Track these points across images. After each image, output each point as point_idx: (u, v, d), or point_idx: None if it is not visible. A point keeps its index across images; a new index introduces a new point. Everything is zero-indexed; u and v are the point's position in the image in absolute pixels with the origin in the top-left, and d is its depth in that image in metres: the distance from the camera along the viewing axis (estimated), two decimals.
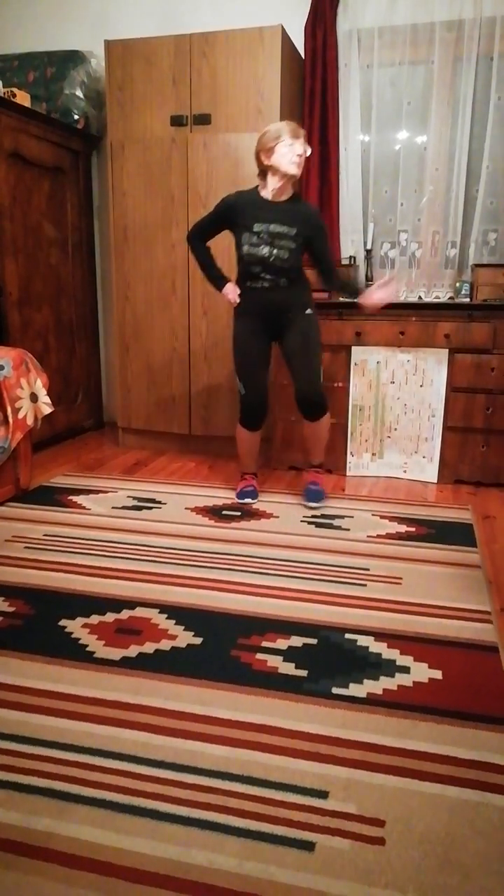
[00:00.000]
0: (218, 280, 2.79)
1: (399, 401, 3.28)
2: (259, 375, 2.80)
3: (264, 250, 2.58)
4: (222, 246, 2.99)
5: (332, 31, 3.45)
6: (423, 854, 1.16)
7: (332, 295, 3.18)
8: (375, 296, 2.66)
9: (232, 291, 2.75)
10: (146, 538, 2.52)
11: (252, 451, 2.99)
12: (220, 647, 1.79)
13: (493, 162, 3.39)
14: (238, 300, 2.74)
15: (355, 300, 2.75)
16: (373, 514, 2.80)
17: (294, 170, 2.53)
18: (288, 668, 1.70)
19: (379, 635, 1.86)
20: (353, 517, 2.77)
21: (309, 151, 2.58)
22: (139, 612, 1.97)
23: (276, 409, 3.41)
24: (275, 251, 2.58)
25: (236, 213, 2.63)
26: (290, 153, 2.50)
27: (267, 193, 2.61)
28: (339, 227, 3.62)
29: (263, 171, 2.60)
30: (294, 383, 2.78)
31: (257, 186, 2.67)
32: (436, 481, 3.29)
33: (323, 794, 1.29)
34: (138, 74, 3.39)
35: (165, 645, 1.80)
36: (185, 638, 1.83)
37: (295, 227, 2.59)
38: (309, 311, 2.74)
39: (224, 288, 2.77)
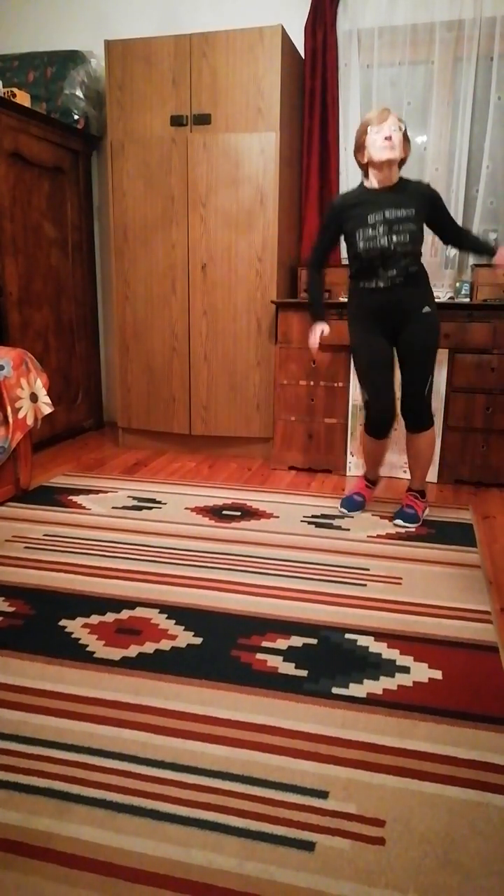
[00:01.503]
0: (318, 315, 2.69)
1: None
2: (388, 380, 2.64)
3: (383, 240, 2.45)
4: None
5: (332, 31, 3.45)
6: (423, 854, 1.16)
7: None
8: None
9: (317, 333, 2.65)
10: (146, 538, 2.52)
11: (379, 460, 2.85)
12: (220, 647, 1.79)
13: (493, 162, 3.39)
14: (317, 346, 2.66)
15: (489, 261, 2.51)
16: (373, 514, 2.80)
17: (386, 154, 2.41)
18: (288, 668, 1.70)
19: (379, 635, 1.86)
20: (353, 517, 2.77)
21: (403, 128, 2.45)
22: (139, 612, 1.97)
23: (276, 408, 3.41)
24: (394, 237, 2.44)
25: (345, 212, 2.53)
26: (378, 139, 2.41)
27: (372, 184, 2.52)
28: None
29: (365, 168, 2.53)
30: (401, 389, 2.67)
31: (362, 182, 2.58)
32: (436, 481, 3.29)
33: (323, 794, 1.29)
34: (138, 74, 3.39)
35: (165, 645, 1.80)
36: (185, 638, 1.83)
37: (412, 207, 2.46)
38: (427, 309, 2.56)
39: (315, 325, 2.67)
